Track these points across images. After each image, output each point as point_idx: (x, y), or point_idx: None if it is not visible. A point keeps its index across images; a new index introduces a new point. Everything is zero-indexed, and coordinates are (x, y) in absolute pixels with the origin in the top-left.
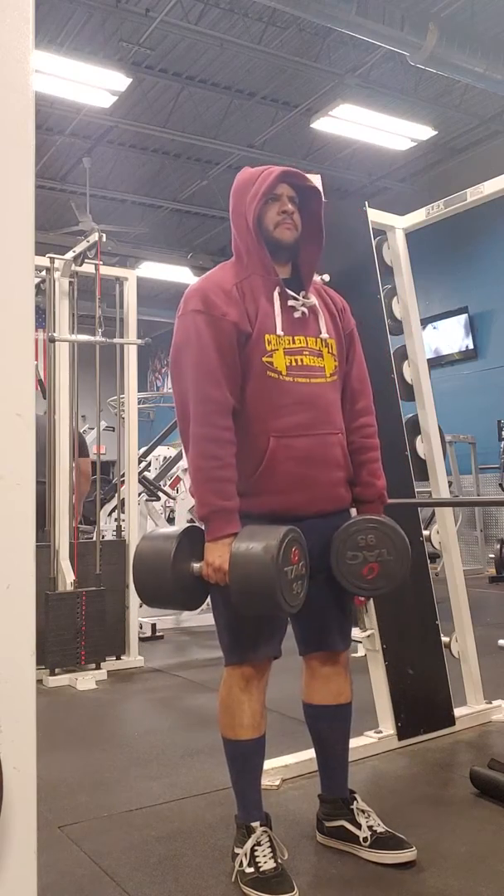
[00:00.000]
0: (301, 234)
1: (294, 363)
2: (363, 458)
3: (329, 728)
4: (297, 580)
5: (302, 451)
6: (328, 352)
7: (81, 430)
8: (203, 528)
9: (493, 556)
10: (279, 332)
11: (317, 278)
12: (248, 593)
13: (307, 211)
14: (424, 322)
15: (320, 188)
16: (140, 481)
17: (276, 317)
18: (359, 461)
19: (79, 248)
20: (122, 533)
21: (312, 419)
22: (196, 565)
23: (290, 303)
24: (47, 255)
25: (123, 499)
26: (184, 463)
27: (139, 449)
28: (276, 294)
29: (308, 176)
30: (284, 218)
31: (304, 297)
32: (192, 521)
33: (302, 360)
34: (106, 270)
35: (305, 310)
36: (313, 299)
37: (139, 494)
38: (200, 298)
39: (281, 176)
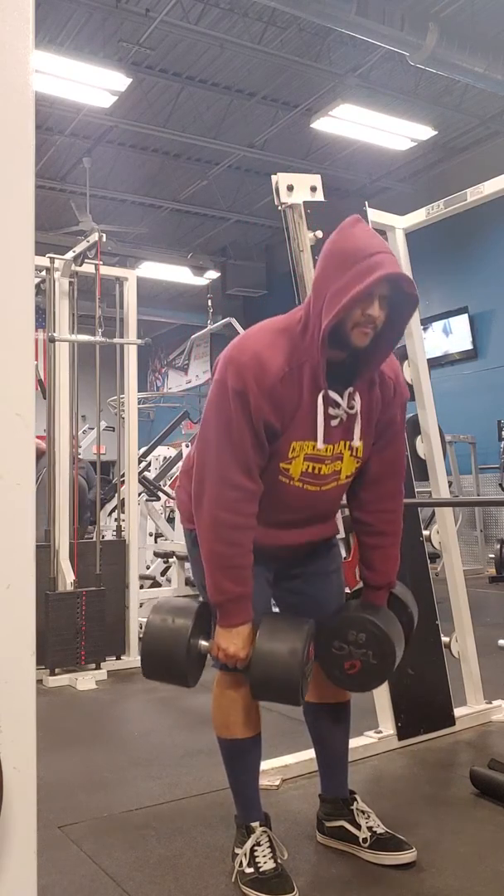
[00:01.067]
0: (376, 333)
1: (309, 470)
2: (376, 542)
3: (328, 727)
4: (309, 671)
5: (287, 540)
6: (351, 455)
7: (82, 430)
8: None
9: (493, 556)
10: (319, 445)
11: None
12: (268, 691)
13: (394, 312)
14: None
15: (319, 189)
16: (140, 481)
17: (319, 427)
18: (371, 544)
19: (79, 248)
20: (122, 533)
21: (308, 517)
22: (204, 644)
23: (332, 411)
24: (47, 255)
25: (123, 499)
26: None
27: (139, 449)
28: (319, 400)
29: (308, 176)
30: (366, 321)
31: (348, 402)
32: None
33: (319, 469)
34: (106, 270)
35: (344, 416)
36: (357, 404)
37: (139, 494)
38: (241, 378)
39: (384, 278)
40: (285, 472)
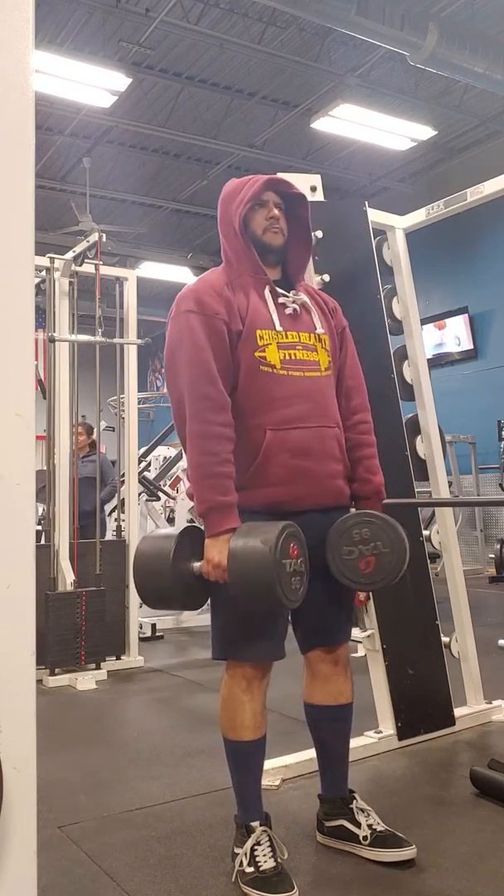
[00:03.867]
0: (288, 238)
1: (288, 357)
2: (359, 455)
3: (330, 728)
4: (295, 574)
5: (297, 443)
6: (322, 347)
7: None
8: (202, 526)
9: (493, 556)
10: (278, 327)
11: (310, 280)
12: (246, 587)
13: (294, 216)
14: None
15: (319, 189)
16: (140, 481)
17: (272, 313)
18: (355, 457)
19: (79, 248)
20: (122, 533)
21: (308, 411)
22: (196, 564)
23: (281, 300)
24: (47, 255)
25: (123, 499)
26: (184, 463)
27: (139, 449)
28: (266, 292)
29: (308, 176)
30: (272, 223)
31: (294, 295)
32: (192, 520)
33: (295, 355)
34: (106, 270)
35: (297, 306)
36: (304, 297)
37: (139, 494)
38: (193, 299)
39: (267, 183)
40: (264, 361)
